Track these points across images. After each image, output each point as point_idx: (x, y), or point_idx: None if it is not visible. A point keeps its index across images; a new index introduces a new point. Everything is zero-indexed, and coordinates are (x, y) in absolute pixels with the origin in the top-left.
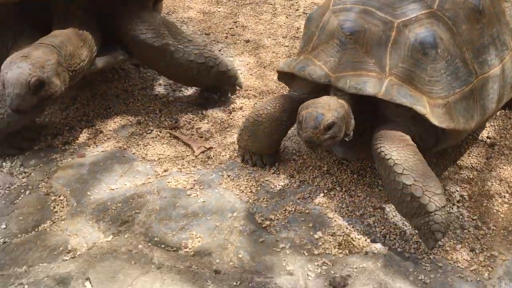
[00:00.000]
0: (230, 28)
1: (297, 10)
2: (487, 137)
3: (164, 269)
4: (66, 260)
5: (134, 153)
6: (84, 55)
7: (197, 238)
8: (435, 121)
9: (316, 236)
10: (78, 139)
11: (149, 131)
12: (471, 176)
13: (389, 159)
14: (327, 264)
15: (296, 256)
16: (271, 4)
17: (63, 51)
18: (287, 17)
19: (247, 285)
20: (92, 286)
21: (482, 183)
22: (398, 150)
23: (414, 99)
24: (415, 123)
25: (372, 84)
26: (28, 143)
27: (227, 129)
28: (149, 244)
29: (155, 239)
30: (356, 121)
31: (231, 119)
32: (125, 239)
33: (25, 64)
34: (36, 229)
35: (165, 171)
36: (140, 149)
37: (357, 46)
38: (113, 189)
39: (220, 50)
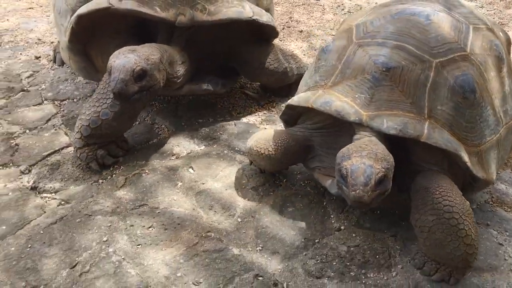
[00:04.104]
0: (286, 22)
1: (343, 10)
2: None
3: (244, 164)
4: (173, 159)
5: (212, 102)
6: (180, 72)
7: None
8: (474, 170)
9: None
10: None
11: None
12: None
13: (450, 212)
14: None
15: None
16: (321, 5)
17: (165, 55)
18: (334, 14)
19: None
20: (194, 170)
21: None
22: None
23: (457, 145)
24: (450, 171)
25: (412, 125)
26: None
27: None
28: (232, 151)
29: (236, 149)
30: None
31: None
32: (214, 148)
33: (132, 55)
34: (148, 143)
35: (238, 113)
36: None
37: (392, 83)
38: (201, 121)
39: (279, 38)
